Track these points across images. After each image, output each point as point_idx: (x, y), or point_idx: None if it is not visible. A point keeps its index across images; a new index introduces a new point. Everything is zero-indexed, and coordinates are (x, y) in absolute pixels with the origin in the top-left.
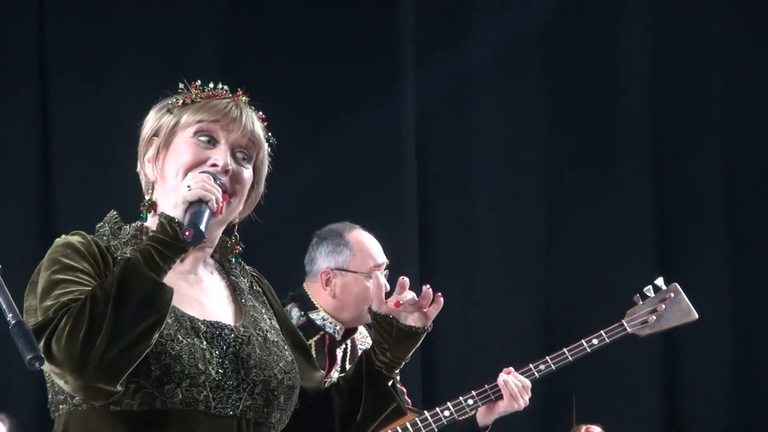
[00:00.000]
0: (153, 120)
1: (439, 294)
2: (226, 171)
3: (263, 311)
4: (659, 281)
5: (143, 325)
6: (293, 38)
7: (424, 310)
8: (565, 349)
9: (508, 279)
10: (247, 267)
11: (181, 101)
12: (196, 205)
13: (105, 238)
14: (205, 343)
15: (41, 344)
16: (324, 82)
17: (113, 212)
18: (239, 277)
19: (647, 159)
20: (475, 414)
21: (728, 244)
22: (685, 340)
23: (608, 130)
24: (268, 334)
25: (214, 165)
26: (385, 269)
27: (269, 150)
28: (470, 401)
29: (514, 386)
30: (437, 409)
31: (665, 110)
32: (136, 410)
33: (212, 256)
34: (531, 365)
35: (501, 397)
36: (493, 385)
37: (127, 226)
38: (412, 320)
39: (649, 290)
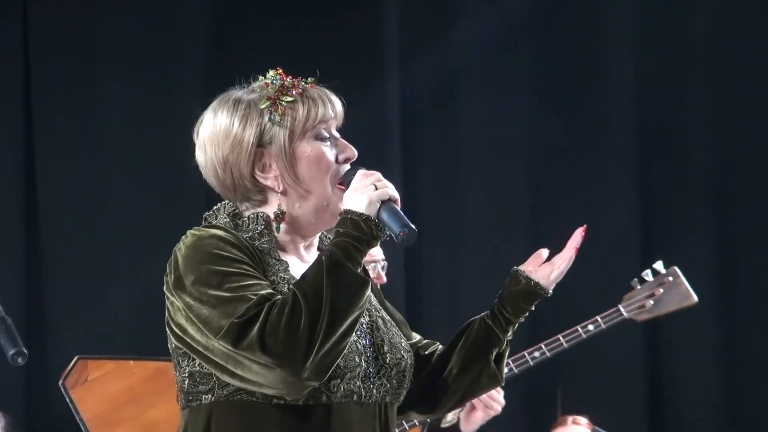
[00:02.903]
0: (245, 128)
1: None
2: None
3: None
4: (658, 265)
5: (350, 320)
6: (276, 34)
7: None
8: (559, 336)
9: (495, 269)
10: None
11: (274, 105)
12: (387, 203)
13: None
14: (354, 335)
15: (250, 337)
16: (307, 77)
17: (228, 202)
18: None
19: (633, 147)
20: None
21: (715, 232)
22: (670, 329)
23: (595, 120)
24: (383, 313)
25: (348, 159)
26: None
27: None
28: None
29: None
30: None
31: (651, 98)
32: (302, 404)
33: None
34: (525, 352)
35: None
36: None
37: (245, 218)
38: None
39: (647, 274)
